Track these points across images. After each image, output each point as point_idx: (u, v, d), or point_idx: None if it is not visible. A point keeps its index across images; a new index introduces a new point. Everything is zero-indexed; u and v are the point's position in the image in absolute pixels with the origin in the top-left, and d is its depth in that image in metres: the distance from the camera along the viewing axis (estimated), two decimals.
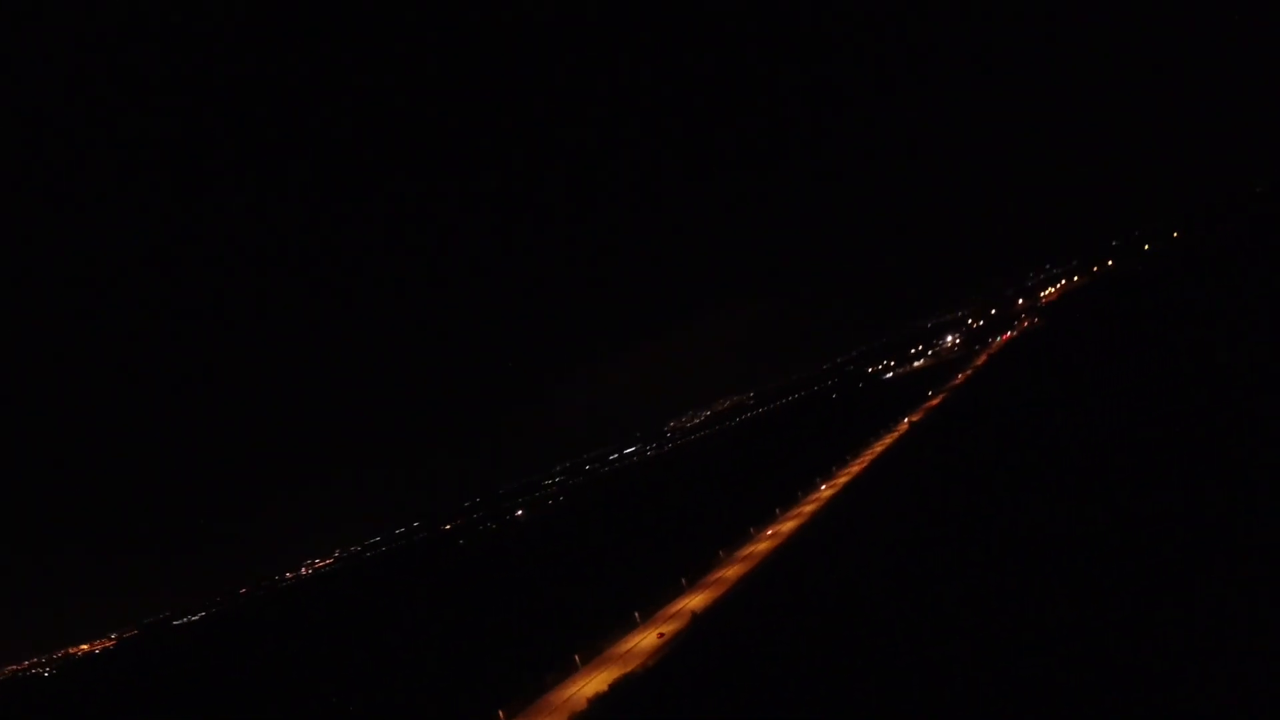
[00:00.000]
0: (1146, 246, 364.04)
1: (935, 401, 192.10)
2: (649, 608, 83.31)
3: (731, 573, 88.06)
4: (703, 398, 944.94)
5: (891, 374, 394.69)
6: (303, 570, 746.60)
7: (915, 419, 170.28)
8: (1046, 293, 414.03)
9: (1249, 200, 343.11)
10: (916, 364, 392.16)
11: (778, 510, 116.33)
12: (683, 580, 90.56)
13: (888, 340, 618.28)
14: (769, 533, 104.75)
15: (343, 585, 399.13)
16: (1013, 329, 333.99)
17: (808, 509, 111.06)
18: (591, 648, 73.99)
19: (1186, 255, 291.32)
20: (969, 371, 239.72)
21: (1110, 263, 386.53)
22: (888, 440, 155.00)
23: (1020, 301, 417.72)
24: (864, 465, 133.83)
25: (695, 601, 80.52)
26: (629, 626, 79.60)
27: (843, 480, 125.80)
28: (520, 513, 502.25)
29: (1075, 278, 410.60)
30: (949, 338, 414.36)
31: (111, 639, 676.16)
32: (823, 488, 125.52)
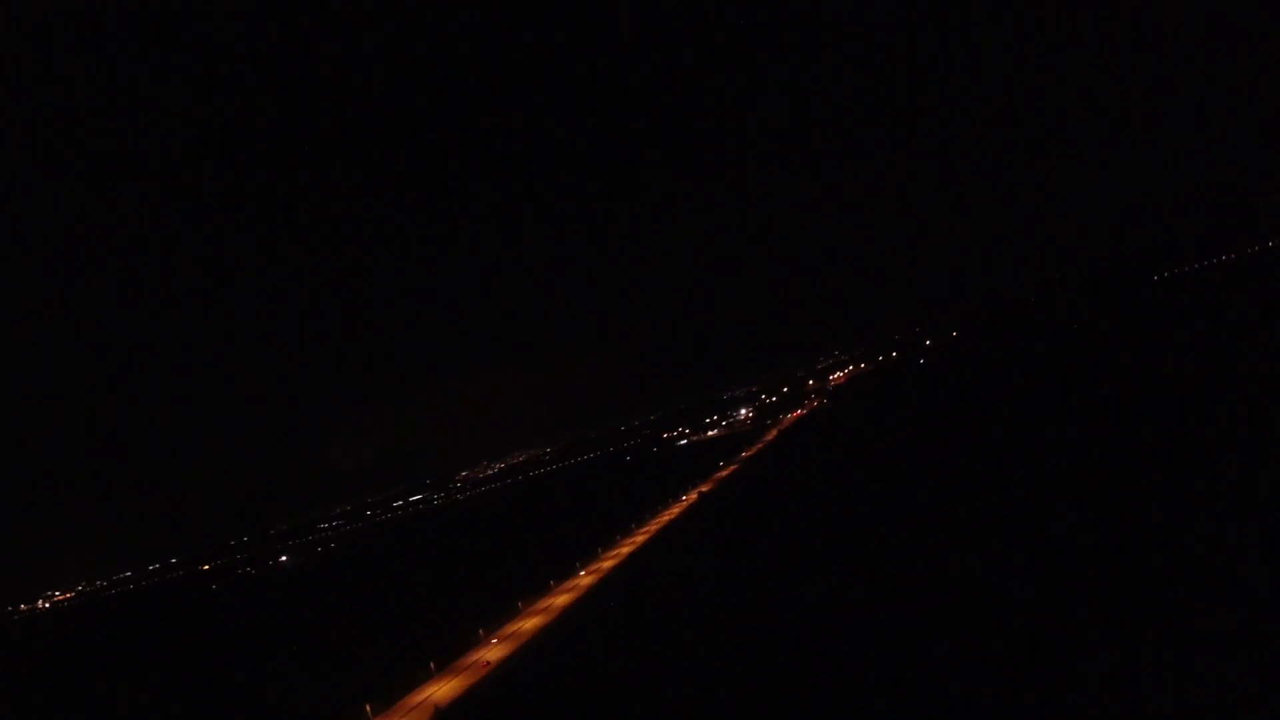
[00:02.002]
0: (928, 342, 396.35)
1: (725, 473, 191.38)
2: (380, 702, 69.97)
3: (494, 655, 76.73)
4: (497, 449, 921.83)
5: (685, 441, 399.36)
6: (39, 603, 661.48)
7: (705, 489, 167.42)
8: (835, 376, 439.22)
9: (1020, 306, 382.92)
10: (711, 433, 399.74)
11: (552, 583, 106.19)
12: (431, 664, 77.89)
13: (685, 406, 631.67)
14: (542, 606, 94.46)
15: (62, 628, 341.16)
16: (803, 407, 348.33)
17: (585, 580, 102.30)
18: None
19: (962, 352, 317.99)
20: (759, 445, 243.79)
21: (894, 354, 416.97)
22: (675, 510, 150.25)
23: (811, 383, 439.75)
24: (649, 535, 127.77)
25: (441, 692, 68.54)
26: None
27: (626, 550, 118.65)
28: (285, 558, 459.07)
29: (862, 364, 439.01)
30: (743, 410, 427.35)
31: None
32: (603, 559, 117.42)
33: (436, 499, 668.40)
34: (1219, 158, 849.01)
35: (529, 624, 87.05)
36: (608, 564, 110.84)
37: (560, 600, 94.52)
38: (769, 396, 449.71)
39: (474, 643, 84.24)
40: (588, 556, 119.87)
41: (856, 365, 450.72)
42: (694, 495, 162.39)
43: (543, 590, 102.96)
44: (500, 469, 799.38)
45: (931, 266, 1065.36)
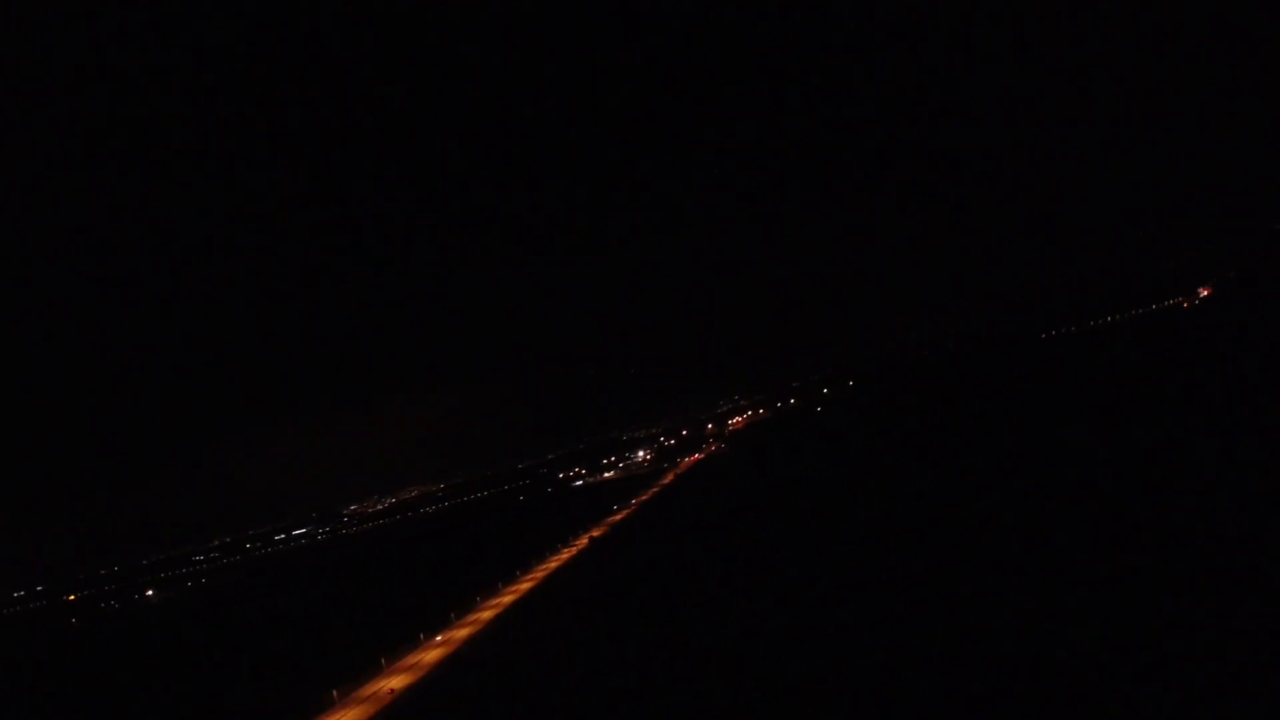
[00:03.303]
0: (825, 390, 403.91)
1: (618, 517, 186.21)
2: None
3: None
4: (389, 484, 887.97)
5: (582, 482, 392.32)
6: None
7: (597, 534, 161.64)
8: (734, 421, 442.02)
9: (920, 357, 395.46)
10: (607, 474, 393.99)
11: (422, 636, 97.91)
12: None
13: (585, 446, 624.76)
14: (411, 662, 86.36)
15: None
16: (700, 451, 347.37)
17: (460, 634, 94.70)
18: None
19: (856, 402, 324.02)
20: (655, 489, 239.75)
21: (792, 401, 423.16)
22: (564, 556, 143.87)
23: (710, 427, 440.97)
24: (535, 583, 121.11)
25: None
26: None
27: (508, 599, 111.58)
28: (151, 593, 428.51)
29: (760, 410, 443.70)
30: (641, 453, 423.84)
31: None
32: (482, 608, 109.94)
33: (322, 534, 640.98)
34: (1109, 223, 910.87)
35: (395, 681, 79.06)
36: (487, 615, 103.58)
37: (430, 656, 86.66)
38: (668, 439, 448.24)
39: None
40: (464, 608, 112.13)
41: (755, 411, 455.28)
42: (584, 540, 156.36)
43: (410, 645, 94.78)
44: (390, 504, 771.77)
45: (838, 320, 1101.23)
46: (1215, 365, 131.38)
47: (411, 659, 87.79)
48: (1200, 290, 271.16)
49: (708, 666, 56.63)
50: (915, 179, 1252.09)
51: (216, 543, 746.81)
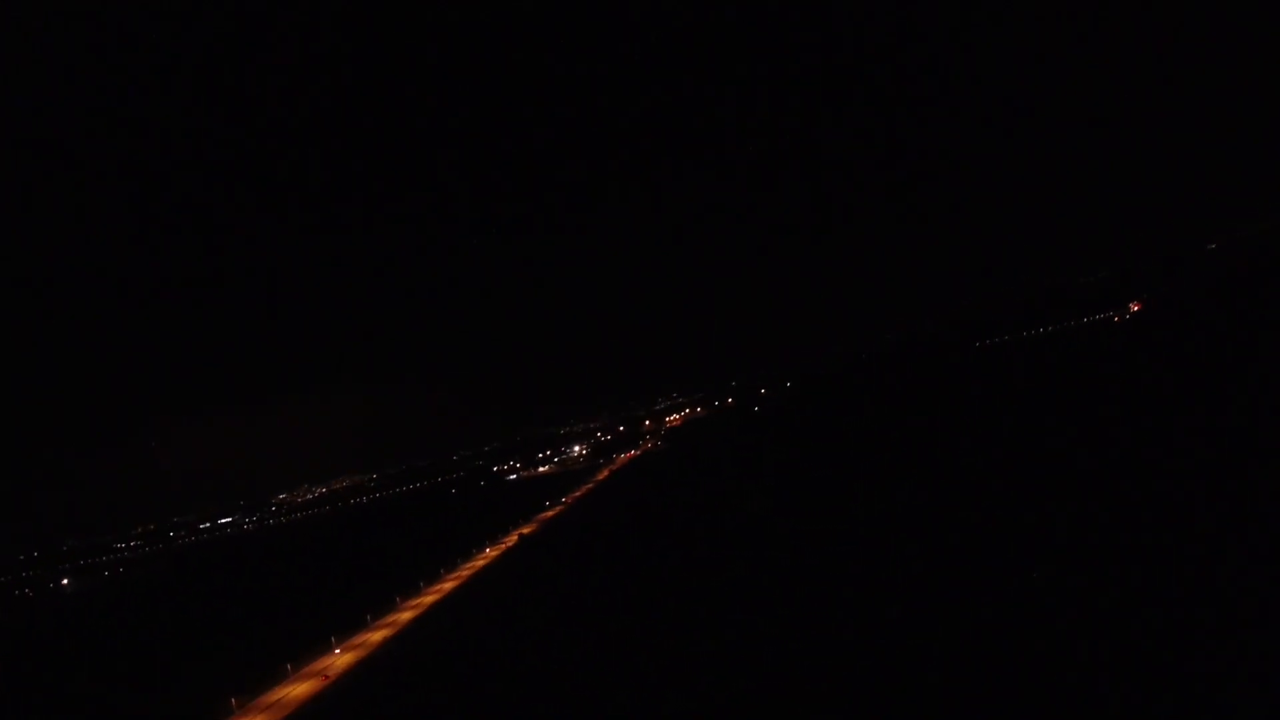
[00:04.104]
0: (762, 390, 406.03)
1: (550, 514, 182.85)
2: None
3: None
4: (323, 473, 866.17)
5: (515, 476, 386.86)
6: None
7: (526, 531, 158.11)
8: (672, 418, 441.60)
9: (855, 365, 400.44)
10: (542, 469, 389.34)
11: (334, 639, 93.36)
12: None
13: (521, 439, 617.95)
14: (320, 667, 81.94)
15: None
16: (637, 448, 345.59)
17: (376, 636, 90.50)
18: None
19: (792, 403, 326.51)
20: (590, 485, 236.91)
21: (730, 400, 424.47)
22: (492, 554, 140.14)
23: (648, 423, 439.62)
24: (459, 582, 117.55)
25: None
26: None
27: (430, 600, 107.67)
28: (66, 581, 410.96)
29: (699, 408, 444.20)
30: (577, 448, 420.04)
31: None
32: (402, 608, 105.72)
33: (248, 523, 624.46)
34: (1047, 237, 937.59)
35: (301, 688, 74.74)
36: (406, 616, 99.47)
37: (343, 660, 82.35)
38: (605, 435, 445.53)
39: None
40: (381, 608, 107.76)
41: (693, 409, 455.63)
42: (514, 537, 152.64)
43: (322, 648, 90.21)
44: (321, 494, 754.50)
45: (780, 321, 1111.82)
46: (1136, 377, 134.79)
47: (321, 663, 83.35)
48: (1131, 305, 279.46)
49: (609, 667, 54.65)
50: (861, 187, 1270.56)
51: (139, 530, 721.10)
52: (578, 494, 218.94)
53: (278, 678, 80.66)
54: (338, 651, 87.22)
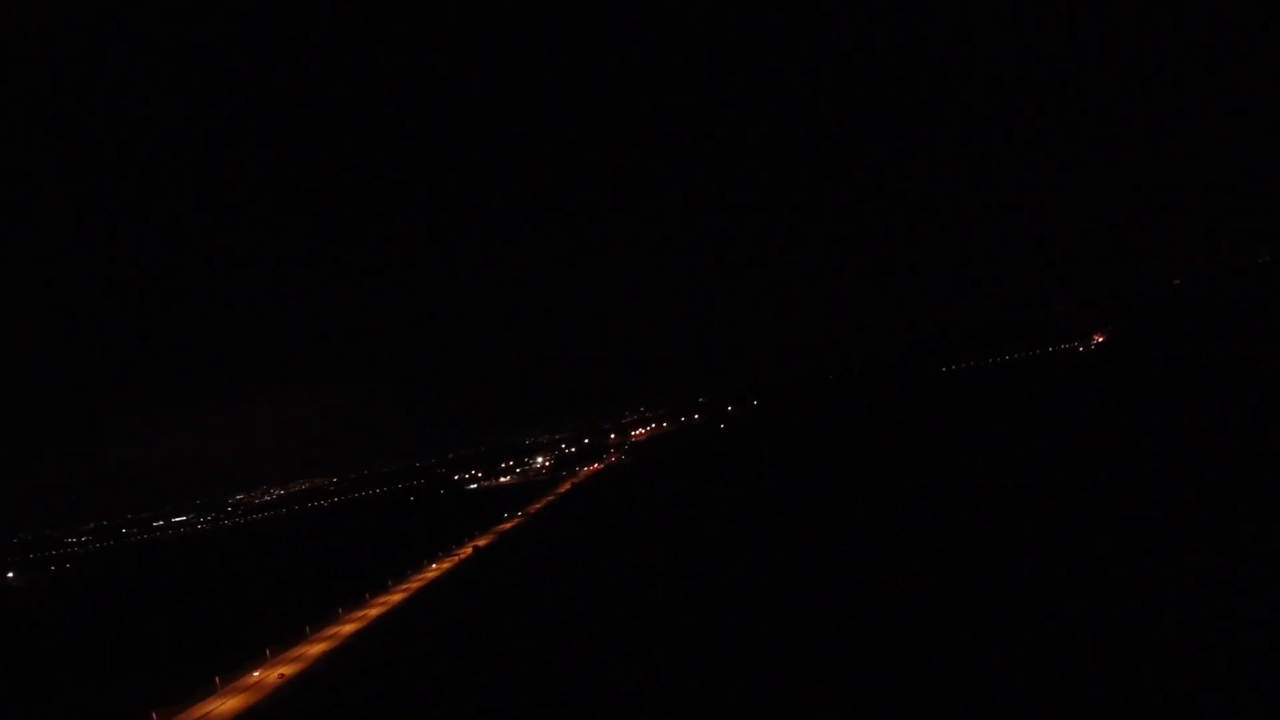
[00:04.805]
0: (730, 408, 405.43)
1: (507, 526, 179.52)
2: None
3: None
4: (282, 475, 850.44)
5: (476, 485, 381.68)
6: None
7: (481, 543, 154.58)
8: (637, 433, 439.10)
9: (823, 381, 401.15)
10: (504, 479, 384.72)
11: (268, 652, 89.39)
12: None
13: (485, 448, 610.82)
14: (252, 681, 78.10)
15: None
16: (601, 461, 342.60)
17: (314, 649, 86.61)
18: None
19: (758, 420, 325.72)
20: (550, 498, 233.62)
21: (696, 416, 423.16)
22: (445, 565, 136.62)
23: (613, 436, 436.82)
24: (408, 594, 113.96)
25: None
26: None
27: (375, 612, 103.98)
28: (11, 575, 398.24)
29: (665, 424, 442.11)
30: (540, 459, 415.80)
31: None
32: (344, 620, 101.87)
33: (203, 522, 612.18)
34: (1016, 267, 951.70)
35: (231, 703, 70.99)
36: (348, 628, 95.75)
37: (271, 676, 78.54)
38: (569, 447, 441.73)
39: None
40: (323, 620, 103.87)
41: (659, 423, 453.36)
42: (469, 549, 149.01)
43: (256, 659, 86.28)
44: (279, 496, 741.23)
45: (749, 338, 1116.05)
46: (1096, 406, 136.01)
47: (254, 677, 79.40)
48: (1096, 336, 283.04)
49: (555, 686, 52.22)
50: (835, 212, 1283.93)
51: (92, 525, 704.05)
52: (538, 505, 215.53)
53: (203, 693, 76.55)
54: (277, 661, 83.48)
